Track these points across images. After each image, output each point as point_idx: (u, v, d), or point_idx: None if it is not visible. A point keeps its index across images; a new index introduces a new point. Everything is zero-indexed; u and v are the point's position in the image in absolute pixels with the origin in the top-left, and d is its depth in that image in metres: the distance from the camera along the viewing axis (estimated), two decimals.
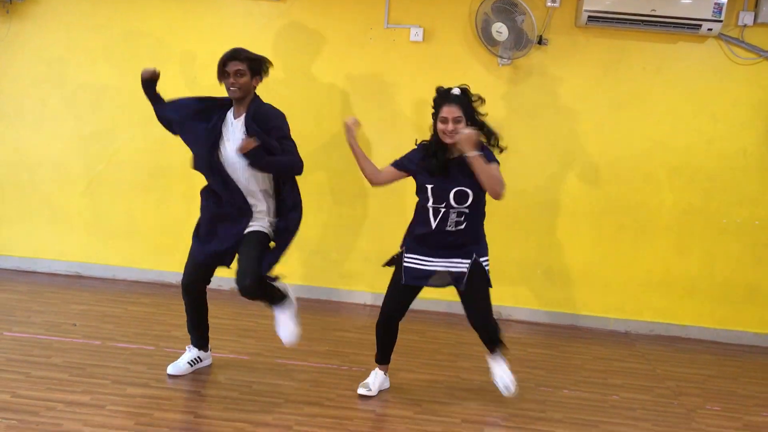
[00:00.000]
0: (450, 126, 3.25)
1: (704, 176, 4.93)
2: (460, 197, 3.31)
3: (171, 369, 3.69)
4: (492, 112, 3.49)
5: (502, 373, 3.57)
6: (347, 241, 5.14)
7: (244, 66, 3.40)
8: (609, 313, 5.12)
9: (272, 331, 4.41)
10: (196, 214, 5.19)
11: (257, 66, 3.47)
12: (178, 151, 5.14)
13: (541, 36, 4.80)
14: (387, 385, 3.76)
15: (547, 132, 4.89)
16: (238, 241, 3.48)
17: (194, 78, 5.07)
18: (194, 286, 3.62)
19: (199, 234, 3.63)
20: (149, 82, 3.64)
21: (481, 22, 4.75)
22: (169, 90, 5.15)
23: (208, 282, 3.66)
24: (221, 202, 3.54)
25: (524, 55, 4.80)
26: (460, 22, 4.91)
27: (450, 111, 3.25)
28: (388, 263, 3.60)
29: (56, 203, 5.30)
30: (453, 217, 3.34)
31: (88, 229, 5.31)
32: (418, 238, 3.46)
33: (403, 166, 3.48)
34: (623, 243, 5.03)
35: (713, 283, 5.01)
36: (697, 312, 5.06)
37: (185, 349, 3.80)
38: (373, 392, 3.65)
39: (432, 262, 3.44)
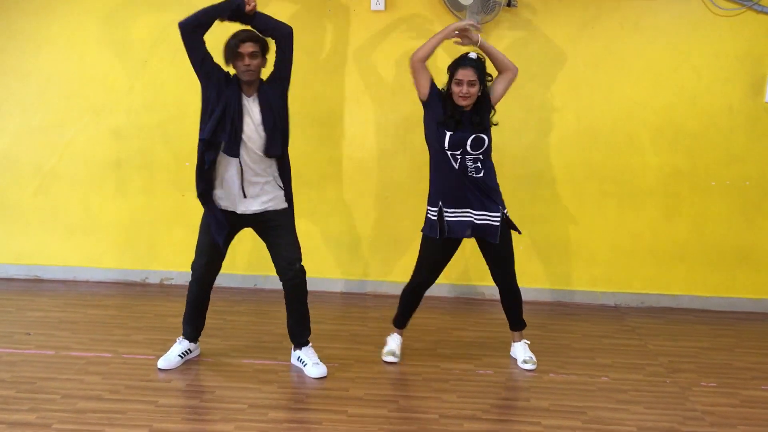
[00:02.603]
0: (465, 88, 3.38)
1: (689, 136, 4.67)
2: (477, 144, 3.44)
3: (162, 363, 3.60)
4: None
5: (527, 357, 3.78)
6: (317, 226, 4.86)
7: (258, 47, 3.27)
8: (597, 287, 4.88)
9: (239, 329, 4.21)
10: (155, 206, 5.00)
11: (266, 47, 3.35)
12: (133, 140, 4.90)
13: None
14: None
15: (521, 99, 4.59)
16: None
17: (145, 61, 4.78)
18: None
19: None
20: (239, 12, 3.29)
21: None
22: (105, 72, 4.92)
23: None
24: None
25: (493, 18, 4.49)
26: None
27: (465, 74, 3.38)
28: (427, 229, 3.58)
29: (8, 202, 4.98)
30: (470, 163, 3.46)
31: (44, 228, 5.01)
32: (447, 188, 3.51)
33: (433, 91, 3.51)
34: (608, 211, 4.78)
35: (704, 248, 4.77)
36: (688, 279, 4.83)
37: (176, 341, 3.73)
38: (399, 358, 3.81)
39: (469, 213, 3.52)
